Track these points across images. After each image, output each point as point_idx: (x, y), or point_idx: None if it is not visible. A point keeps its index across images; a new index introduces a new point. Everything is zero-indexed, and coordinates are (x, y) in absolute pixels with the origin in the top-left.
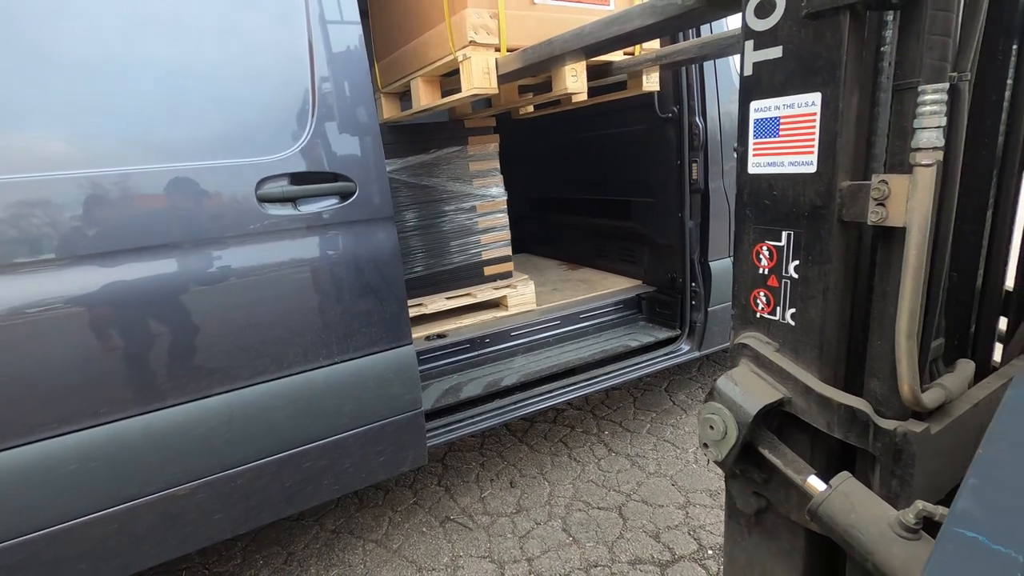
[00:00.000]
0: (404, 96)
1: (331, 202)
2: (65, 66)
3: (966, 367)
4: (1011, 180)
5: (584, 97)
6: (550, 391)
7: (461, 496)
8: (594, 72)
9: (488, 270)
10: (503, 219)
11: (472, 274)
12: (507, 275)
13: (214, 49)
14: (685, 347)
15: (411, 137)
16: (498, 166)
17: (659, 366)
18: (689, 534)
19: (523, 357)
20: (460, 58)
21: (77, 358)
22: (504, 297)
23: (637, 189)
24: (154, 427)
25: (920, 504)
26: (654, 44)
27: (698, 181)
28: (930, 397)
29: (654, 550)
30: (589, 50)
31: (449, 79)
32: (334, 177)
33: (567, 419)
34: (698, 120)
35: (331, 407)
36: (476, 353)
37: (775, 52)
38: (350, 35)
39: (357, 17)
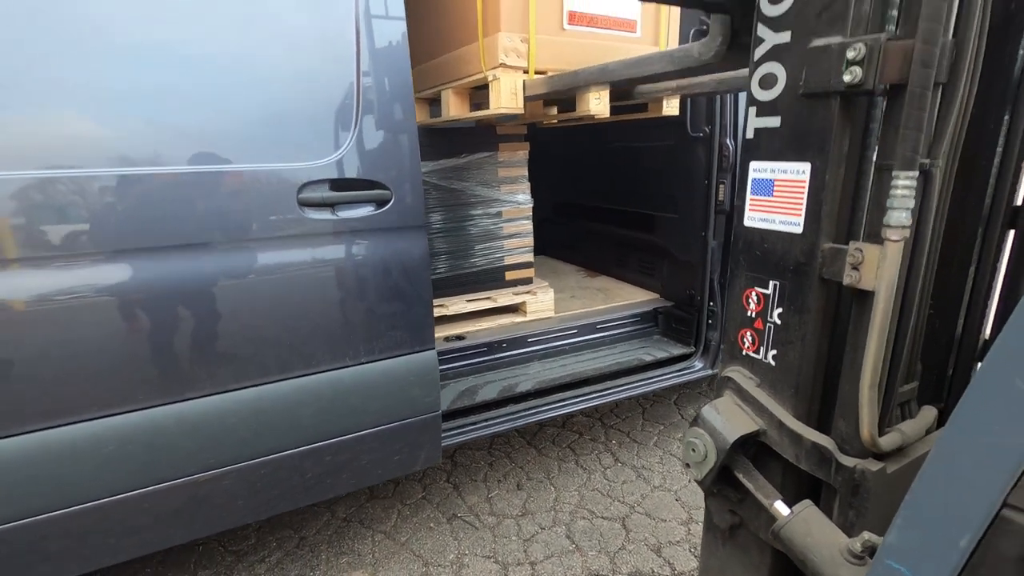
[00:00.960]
0: (434, 102)
1: (367, 209)
2: (129, 74)
3: (927, 414)
4: (993, 240)
5: (607, 115)
6: (563, 400)
7: (469, 494)
8: (617, 94)
9: (509, 275)
10: (527, 226)
11: (494, 278)
12: (528, 281)
13: (268, 59)
14: (698, 365)
15: (444, 141)
16: (526, 173)
17: (671, 382)
18: (690, 551)
19: (539, 363)
20: (490, 78)
21: (123, 346)
22: (524, 303)
23: (662, 204)
24: (188, 415)
25: (867, 535)
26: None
27: (724, 202)
28: (887, 440)
29: (655, 564)
30: (611, 84)
31: (478, 92)
32: (371, 185)
33: (576, 425)
34: (728, 142)
35: (355, 405)
36: (493, 356)
37: (774, 121)
38: (397, 52)
39: (404, 36)
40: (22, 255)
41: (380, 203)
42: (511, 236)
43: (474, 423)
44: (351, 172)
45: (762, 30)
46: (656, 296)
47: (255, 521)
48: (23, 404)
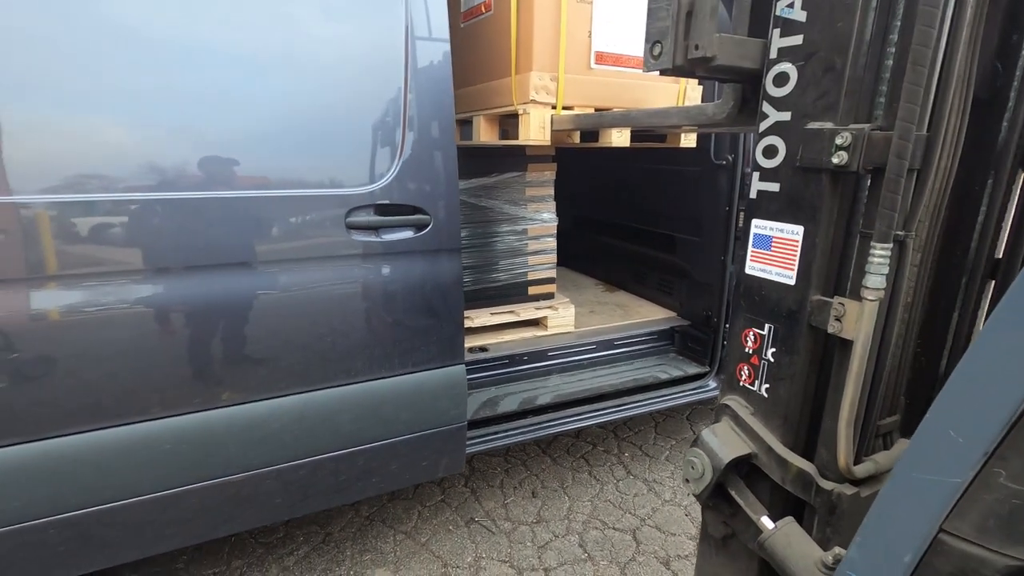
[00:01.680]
0: (465, 123)
1: (408, 232)
2: (196, 106)
3: (901, 446)
4: (975, 288)
5: (627, 145)
6: (580, 414)
7: (486, 500)
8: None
9: (532, 290)
10: (551, 243)
11: (517, 292)
12: (550, 296)
13: (325, 95)
14: (712, 384)
15: (477, 160)
16: (552, 192)
17: (685, 400)
18: None
19: (558, 377)
20: (520, 111)
21: (185, 354)
22: (545, 317)
23: (684, 226)
24: (237, 418)
25: (838, 549)
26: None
27: (744, 229)
28: (861, 469)
29: None
30: (632, 127)
31: (508, 119)
32: (413, 210)
33: (589, 436)
34: (749, 172)
35: (389, 414)
36: (514, 369)
37: (774, 187)
38: (441, 87)
39: (449, 81)
40: (113, 270)
41: (419, 227)
42: (535, 252)
43: (495, 433)
44: (395, 198)
45: (767, 107)
46: (673, 315)
47: (289, 518)
48: (98, 404)
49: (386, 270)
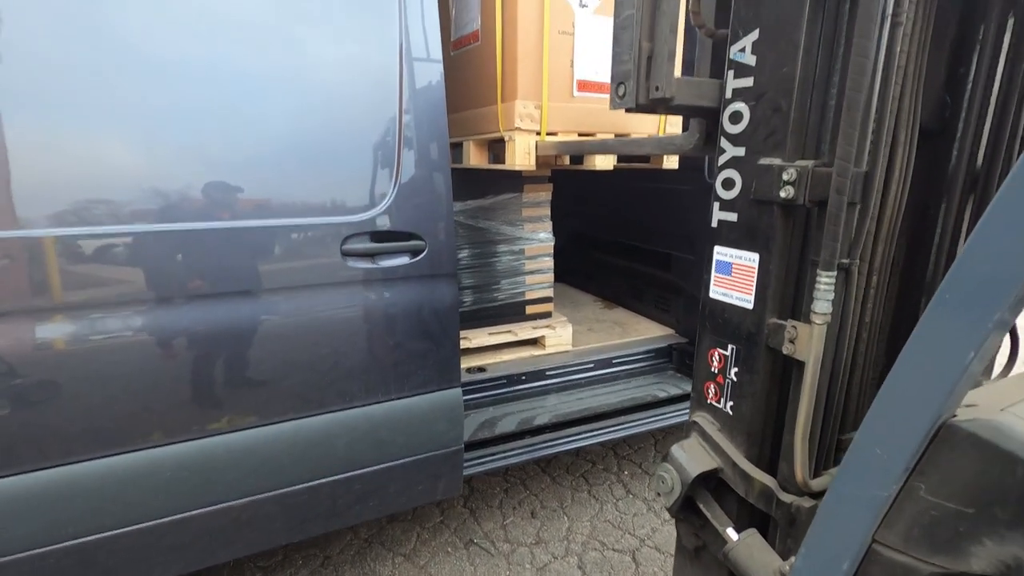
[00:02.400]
0: (455, 146)
1: (403, 259)
2: (192, 137)
3: None
4: None
5: (611, 168)
6: (578, 434)
7: (485, 520)
8: None
9: (530, 309)
10: (548, 262)
11: (515, 312)
12: (547, 315)
13: (322, 126)
14: None
15: (473, 182)
16: (549, 212)
17: (684, 418)
18: None
19: (556, 396)
20: (507, 138)
21: (182, 382)
22: (543, 337)
23: (680, 244)
24: (235, 445)
25: (794, 559)
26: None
27: None
28: (818, 483)
29: None
30: (610, 153)
31: (496, 143)
32: (408, 236)
33: (589, 454)
34: None
35: (385, 438)
36: (512, 389)
37: (732, 217)
38: (436, 121)
39: (443, 109)
40: (97, 302)
41: (415, 253)
42: (533, 272)
43: (493, 454)
44: (391, 225)
45: (724, 142)
46: (671, 332)
47: (288, 542)
48: (100, 433)
49: (382, 296)
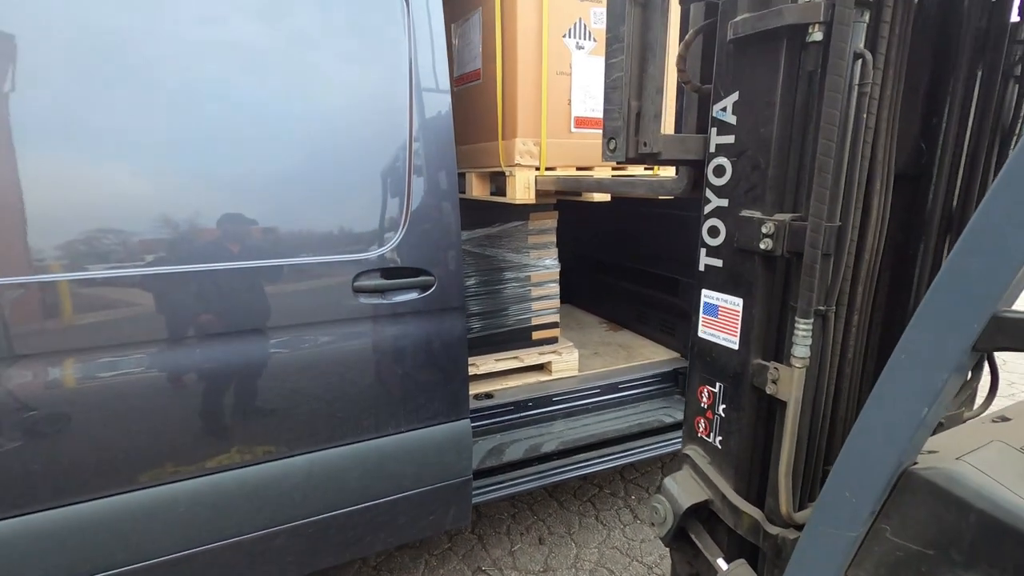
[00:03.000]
0: (459, 176)
1: (413, 294)
2: (208, 181)
3: None
4: None
5: (607, 200)
6: (585, 460)
7: (492, 547)
8: None
9: (536, 335)
10: (554, 288)
11: (521, 337)
12: (553, 340)
13: (335, 168)
14: None
15: (480, 211)
16: (554, 239)
17: None
18: None
19: (562, 422)
20: (507, 173)
21: (198, 419)
22: (549, 362)
23: (686, 269)
24: (248, 480)
25: None
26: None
27: None
28: (802, 515)
29: None
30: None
31: (498, 175)
32: (417, 272)
33: (596, 478)
34: None
35: (395, 471)
36: (519, 415)
37: (718, 262)
38: (445, 158)
39: (452, 145)
40: (112, 341)
41: (424, 288)
42: (539, 298)
43: (501, 482)
44: (400, 261)
45: (709, 193)
46: (677, 355)
47: (300, 575)
48: (114, 471)
49: (391, 331)
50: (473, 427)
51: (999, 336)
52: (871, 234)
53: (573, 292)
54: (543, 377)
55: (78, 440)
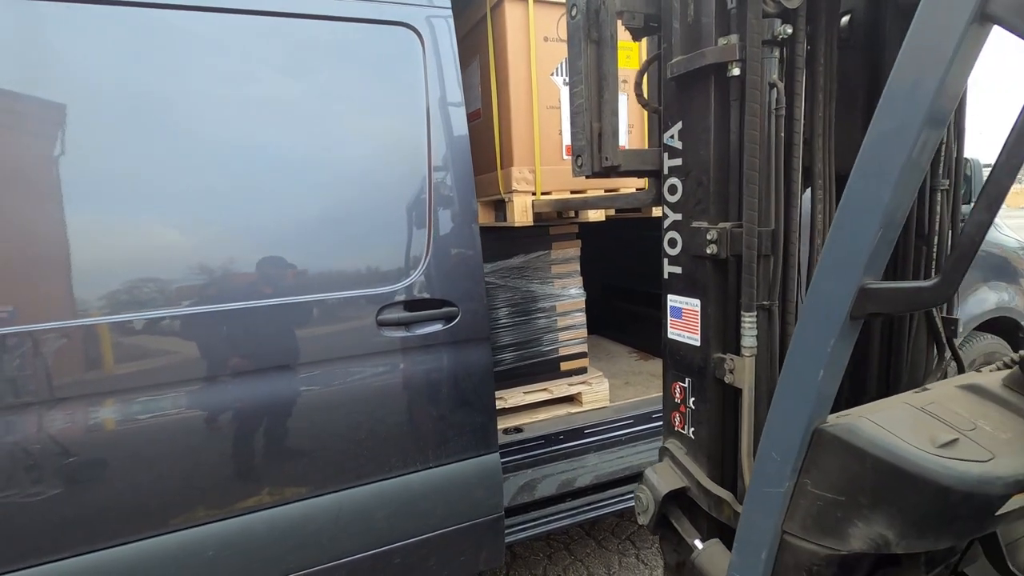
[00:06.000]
0: None
1: (437, 325)
2: (233, 221)
3: None
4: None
5: (602, 220)
6: (623, 494)
7: None
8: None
9: (564, 366)
10: (581, 318)
11: (549, 369)
12: (582, 371)
13: (358, 206)
14: None
15: (503, 242)
16: (579, 268)
17: None
18: None
19: (596, 455)
20: (507, 199)
21: (226, 459)
22: (579, 393)
23: None
24: (277, 521)
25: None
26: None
27: None
28: None
29: None
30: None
31: (499, 204)
32: (441, 304)
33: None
34: None
35: (424, 508)
36: (550, 449)
37: (678, 269)
38: (464, 189)
39: (471, 178)
40: (139, 383)
41: (448, 319)
42: (565, 328)
43: (534, 519)
44: (423, 293)
45: (666, 209)
46: None
47: None
48: (142, 515)
49: (417, 364)
50: (503, 462)
51: (868, 304)
52: (818, 235)
53: (600, 322)
54: (574, 409)
55: (107, 485)
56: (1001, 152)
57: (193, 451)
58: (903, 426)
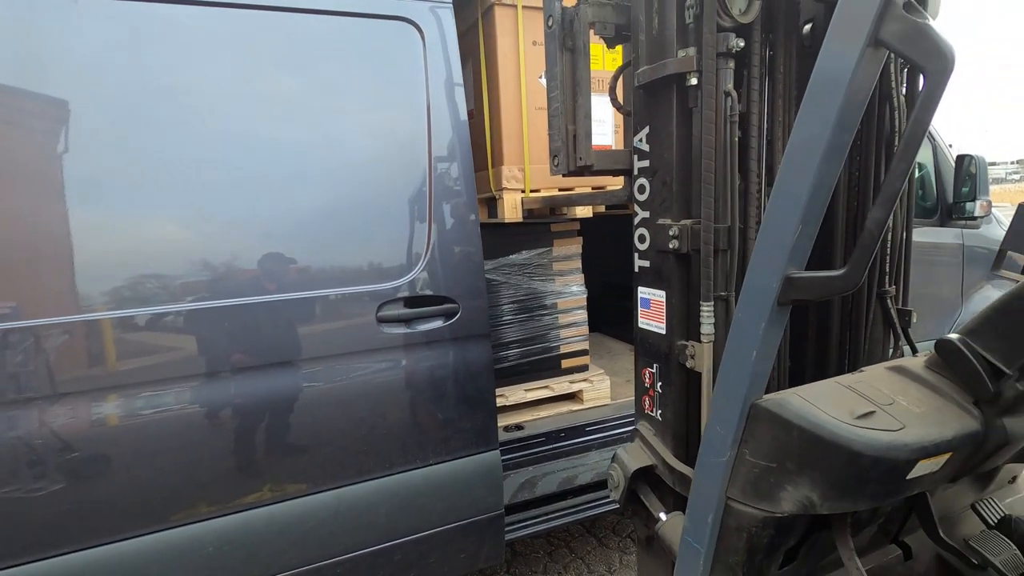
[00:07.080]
0: None
1: (437, 322)
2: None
3: None
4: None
5: (590, 215)
6: None
7: None
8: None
9: (566, 363)
10: (582, 315)
11: (550, 366)
12: (583, 368)
13: (359, 199)
14: None
15: (504, 239)
16: (580, 265)
17: None
18: None
19: (597, 453)
20: (497, 196)
21: (226, 455)
22: (580, 391)
23: None
24: (277, 517)
25: None
26: None
27: None
28: None
29: None
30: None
31: (491, 201)
32: (441, 300)
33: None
34: None
35: (424, 505)
36: (552, 446)
37: (647, 263)
38: (465, 186)
39: (471, 178)
40: (139, 379)
41: (448, 315)
42: (566, 325)
43: (535, 517)
44: (423, 290)
45: (636, 207)
46: None
47: None
48: (143, 510)
49: (416, 360)
50: (504, 460)
51: (792, 291)
52: (737, 246)
53: (601, 320)
54: (575, 406)
55: (108, 481)
56: (894, 158)
57: (194, 447)
58: (827, 400)
